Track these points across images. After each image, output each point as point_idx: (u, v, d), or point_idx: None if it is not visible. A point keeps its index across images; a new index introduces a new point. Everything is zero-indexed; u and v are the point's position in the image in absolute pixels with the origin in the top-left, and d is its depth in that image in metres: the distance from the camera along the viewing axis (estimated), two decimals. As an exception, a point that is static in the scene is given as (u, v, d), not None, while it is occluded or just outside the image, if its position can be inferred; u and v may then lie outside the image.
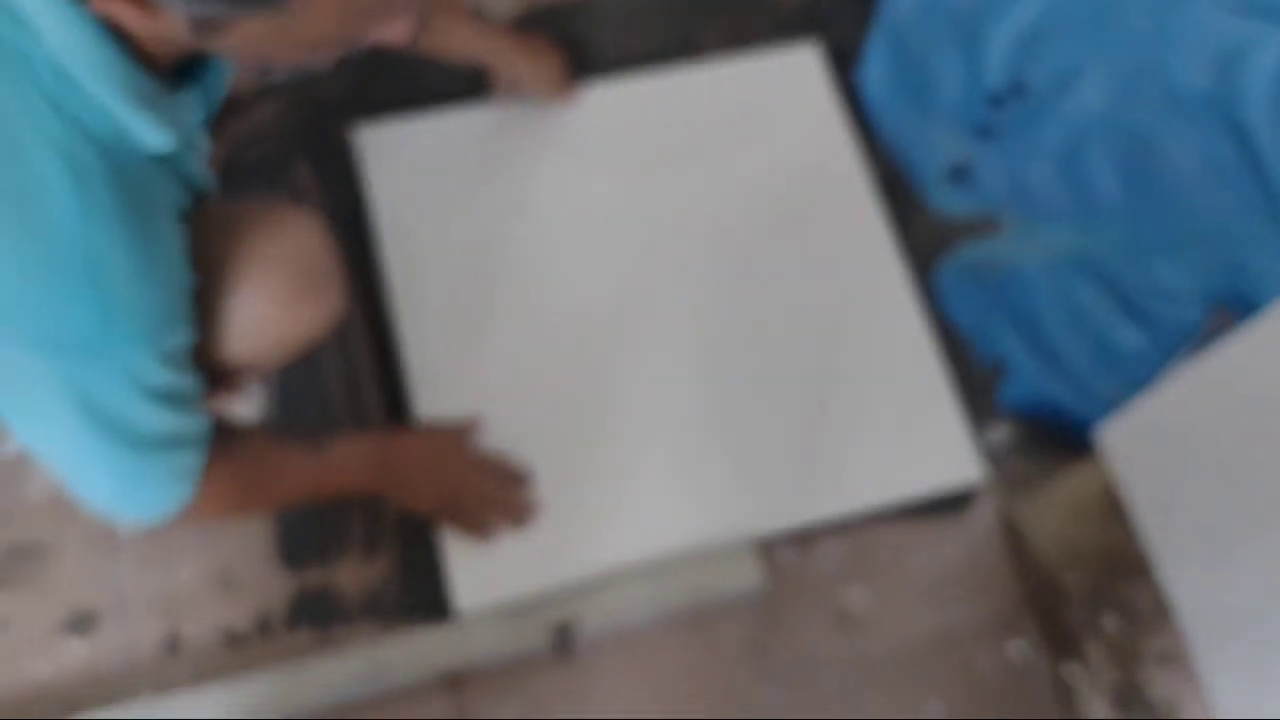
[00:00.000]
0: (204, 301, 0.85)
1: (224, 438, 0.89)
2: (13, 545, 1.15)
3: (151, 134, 0.67)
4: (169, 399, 0.77)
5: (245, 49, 0.63)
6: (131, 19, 0.58)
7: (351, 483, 1.07)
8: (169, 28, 0.59)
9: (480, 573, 1.13)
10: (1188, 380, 0.95)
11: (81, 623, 1.12)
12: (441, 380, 1.22)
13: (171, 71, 0.71)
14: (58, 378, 0.70)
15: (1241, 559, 0.89)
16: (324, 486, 1.05)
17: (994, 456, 1.28)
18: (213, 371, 0.97)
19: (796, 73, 1.45)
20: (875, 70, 1.47)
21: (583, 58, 1.44)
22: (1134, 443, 1.02)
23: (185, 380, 0.79)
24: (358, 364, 1.26)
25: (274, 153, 1.36)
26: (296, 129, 1.37)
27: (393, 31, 0.65)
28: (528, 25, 1.46)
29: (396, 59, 1.40)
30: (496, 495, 1.15)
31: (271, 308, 0.90)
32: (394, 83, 1.39)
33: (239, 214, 0.93)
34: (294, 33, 0.60)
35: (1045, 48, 1.51)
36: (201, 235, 0.82)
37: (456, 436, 1.17)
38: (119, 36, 0.63)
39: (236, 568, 1.16)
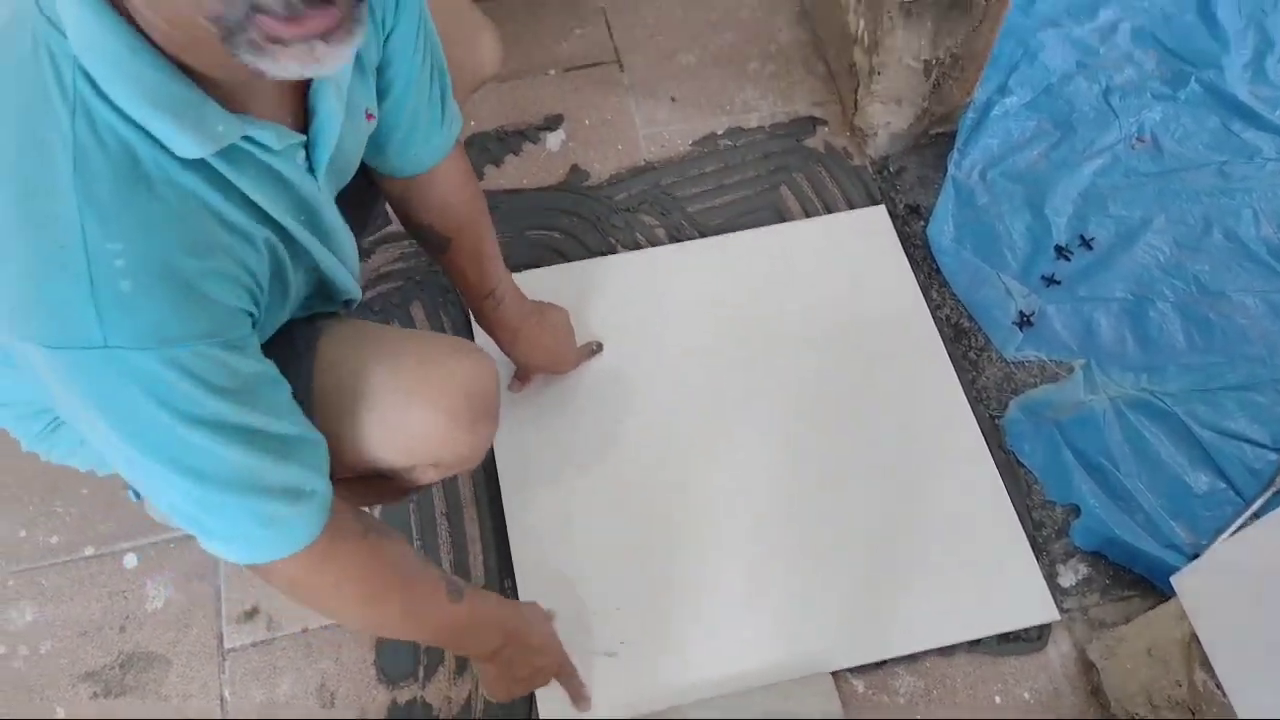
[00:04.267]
0: (371, 403, 0.88)
1: (363, 525, 0.86)
2: (127, 655, 1.21)
3: (176, 139, 0.65)
4: (223, 431, 0.70)
5: None
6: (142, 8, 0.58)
7: (479, 636, 1.01)
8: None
9: (568, 703, 1.16)
10: (1265, 526, 0.94)
11: (185, 731, 1.17)
12: (537, 528, 1.27)
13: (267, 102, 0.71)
14: (76, 379, 0.66)
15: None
16: (456, 628, 0.98)
17: (1069, 596, 1.28)
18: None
19: (868, 230, 1.53)
20: (946, 224, 1.54)
21: (676, 216, 1.55)
22: (1211, 589, 1.00)
23: (252, 419, 0.72)
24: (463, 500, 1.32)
25: (392, 293, 1.46)
26: (412, 273, 1.48)
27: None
28: (632, 184, 1.58)
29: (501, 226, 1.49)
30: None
31: (443, 423, 0.91)
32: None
33: (418, 334, 0.98)
34: None
35: (1111, 201, 1.57)
36: (378, 340, 0.88)
37: (550, 624, 1.16)
38: (149, 42, 0.62)
39: (335, 682, 1.20)
